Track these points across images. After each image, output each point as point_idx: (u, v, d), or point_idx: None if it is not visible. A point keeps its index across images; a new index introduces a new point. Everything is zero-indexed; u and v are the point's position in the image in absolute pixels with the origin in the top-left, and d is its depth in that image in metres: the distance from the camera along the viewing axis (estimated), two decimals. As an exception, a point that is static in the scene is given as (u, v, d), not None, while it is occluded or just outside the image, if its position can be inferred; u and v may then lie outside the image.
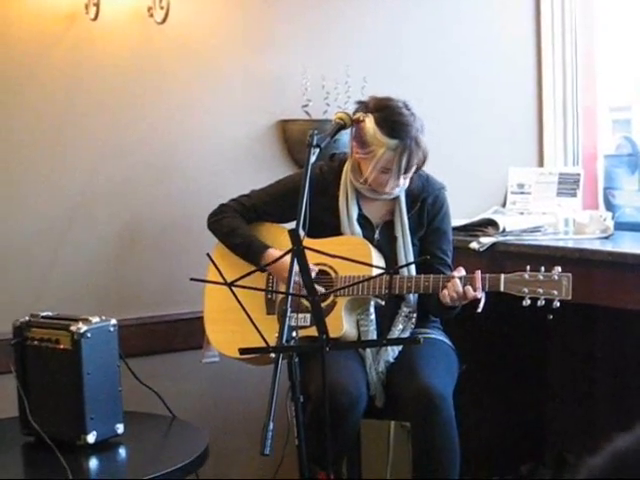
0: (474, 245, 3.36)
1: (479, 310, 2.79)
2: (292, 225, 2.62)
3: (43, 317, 2.69)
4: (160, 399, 2.89)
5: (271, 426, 2.25)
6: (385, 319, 3.00)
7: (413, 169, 2.95)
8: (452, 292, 2.79)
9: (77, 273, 3.24)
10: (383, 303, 2.96)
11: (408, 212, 3.03)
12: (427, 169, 3.05)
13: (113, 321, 2.67)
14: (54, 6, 3.13)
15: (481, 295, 2.79)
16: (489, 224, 3.49)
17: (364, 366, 2.96)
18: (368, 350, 2.98)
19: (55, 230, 3.20)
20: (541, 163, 4.05)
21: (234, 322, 2.79)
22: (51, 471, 2.44)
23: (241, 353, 2.42)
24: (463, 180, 3.78)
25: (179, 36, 3.33)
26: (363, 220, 3.04)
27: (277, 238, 3.05)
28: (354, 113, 2.91)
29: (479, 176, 3.94)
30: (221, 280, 2.35)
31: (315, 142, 2.70)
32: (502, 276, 2.79)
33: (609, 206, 3.83)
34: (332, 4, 3.64)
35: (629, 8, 4.11)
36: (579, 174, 3.76)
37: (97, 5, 3.08)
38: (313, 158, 2.70)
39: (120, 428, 2.65)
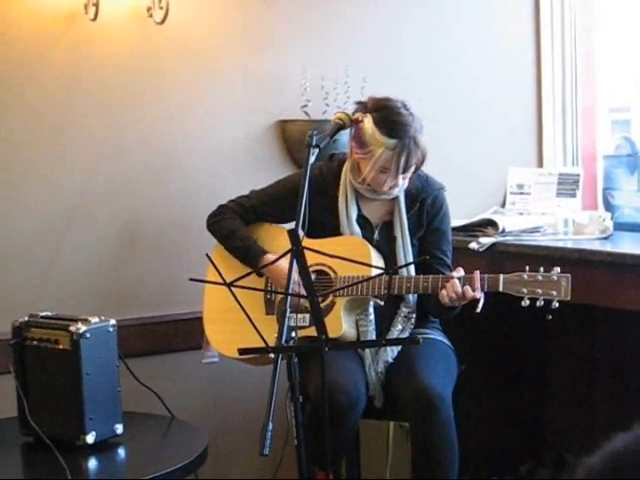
0: (473, 245, 3.36)
1: (478, 310, 2.79)
2: (291, 225, 2.61)
3: (42, 317, 2.69)
4: (159, 399, 2.89)
5: (270, 426, 2.25)
6: (384, 319, 3.00)
7: (412, 169, 2.94)
8: (451, 292, 2.79)
9: (76, 273, 3.24)
10: (382, 303, 2.96)
11: (407, 212, 3.03)
12: (426, 169, 3.05)
13: (112, 321, 2.67)
14: (53, 6, 3.13)
15: (480, 295, 2.79)
16: (488, 224, 3.49)
17: (363, 366, 2.96)
18: (367, 350, 2.98)
19: (54, 230, 3.20)
20: (540, 163, 4.05)
21: (233, 322, 2.79)
22: (50, 471, 2.44)
23: (240, 353, 2.42)
24: (463, 180, 3.78)
25: (178, 36, 3.33)
26: (362, 220, 3.04)
27: (276, 238, 3.05)
28: (353, 113, 2.91)
29: (478, 176, 3.94)
30: (220, 280, 2.35)
31: (314, 142, 2.70)
32: (501, 276, 2.79)
33: (608, 206, 3.83)
34: (331, 4, 3.64)
35: (628, 8, 4.11)
36: (578, 174, 3.76)
37: (96, 5, 3.08)
38: (312, 158, 2.71)
39: (119, 428, 2.65)
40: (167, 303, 3.38)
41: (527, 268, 2.77)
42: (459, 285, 2.79)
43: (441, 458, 2.81)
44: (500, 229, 3.43)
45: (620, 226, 3.61)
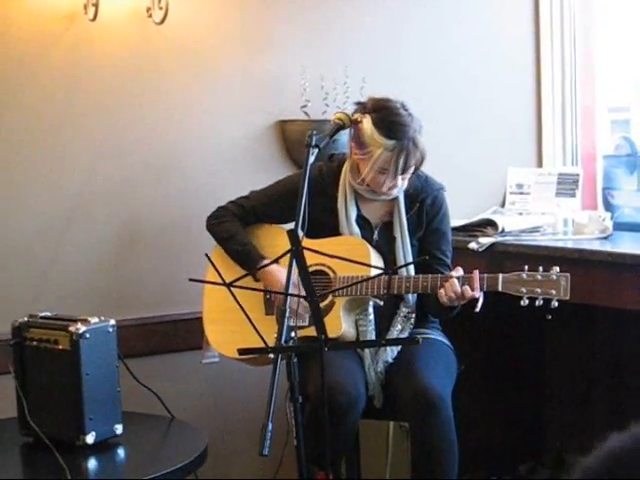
0: (473, 245, 3.36)
1: (477, 310, 2.79)
2: (291, 226, 2.61)
3: (42, 317, 2.69)
4: (159, 400, 2.89)
5: (270, 426, 2.25)
6: (384, 319, 3.00)
7: (411, 170, 2.94)
8: (450, 292, 2.79)
9: (76, 273, 3.24)
10: (382, 303, 2.96)
11: (407, 213, 3.03)
12: (426, 169, 3.05)
13: (112, 321, 2.67)
14: (53, 6, 3.13)
15: (479, 295, 2.79)
16: (488, 224, 3.49)
17: (363, 366, 2.96)
18: (367, 350, 2.98)
19: (54, 230, 3.20)
20: (540, 163, 4.05)
21: (233, 322, 2.79)
22: (50, 472, 2.44)
23: (240, 353, 2.42)
24: (462, 180, 3.78)
25: (178, 36, 3.33)
26: (362, 221, 3.04)
27: (276, 239, 3.05)
28: (353, 114, 2.91)
29: (478, 176, 3.94)
30: (220, 281, 2.35)
31: (314, 142, 2.70)
32: (500, 276, 2.79)
33: (608, 206, 3.83)
34: (331, 4, 3.64)
35: (628, 8, 4.11)
36: (578, 174, 3.76)
37: (96, 5, 3.08)
38: (312, 158, 2.71)
39: (119, 428, 2.65)
40: (167, 303, 3.38)
41: (526, 267, 2.77)
42: (458, 285, 2.79)
43: (441, 458, 2.81)
44: (500, 229, 3.43)
45: (620, 226, 3.61)
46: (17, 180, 3.14)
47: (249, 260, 3.02)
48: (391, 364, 2.97)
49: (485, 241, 3.37)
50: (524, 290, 2.75)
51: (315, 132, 2.73)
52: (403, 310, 3.02)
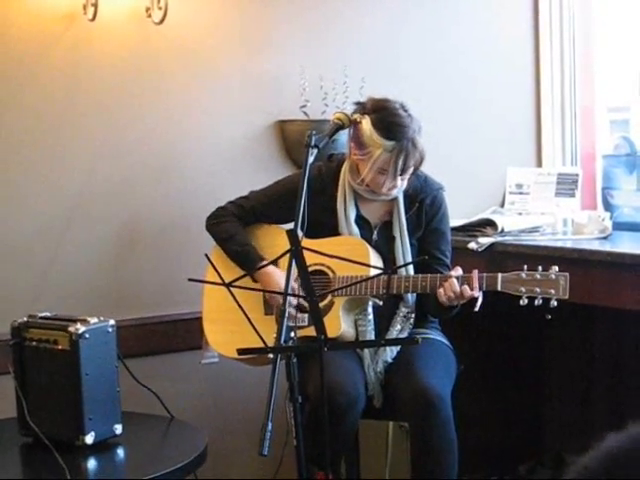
0: (472, 245, 3.36)
1: (476, 309, 2.79)
2: (291, 226, 2.61)
3: (41, 318, 2.69)
4: (159, 399, 2.88)
5: (269, 426, 2.25)
6: (383, 319, 3.00)
7: (410, 170, 2.94)
8: (449, 292, 2.79)
9: (75, 273, 3.24)
10: (381, 303, 2.96)
11: (406, 212, 3.03)
12: (426, 169, 3.05)
13: (111, 322, 2.67)
14: (53, 6, 3.13)
15: (478, 294, 2.79)
16: (488, 224, 3.49)
17: (362, 366, 2.96)
18: (366, 350, 2.98)
19: (54, 230, 3.20)
20: (539, 163, 4.05)
21: (233, 322, 2.79)
22: (49, 472, 2.44)
23: (240, 353, 2.42)
24: (462, 180, 3.78)
25: (177, 36, 3.33)
26: (361, 221, 3.04)
27: (276, 239, 3.05)
28: (352, 114, 2.91)
29: (477, 176, 3.94)
30: (219, 281, 2.35)
31: (313, 142, 2.70)
32: (499, 275, 2.79)
33: (607, 206, 3.83)
34: (330, 4, 3.64)
35: (627, 8, 4.11)
36: (577, 174, 3.76)
37: (95, 5, 3.08)
38: (311, 158, 2.71)
39: (118, 429, 2.65)
40: (166, 303, 3.38)
41: (525, 267, 2.77)
42: (457, 284, 2.79)
43: (440, 458, 2.81)
44: (499, 229, 3.43)
45: (619, 226, 3.61)
46: (17, 180, 3.14)
47: (248, 261, 3.02)
48: (390, 364, 2.97)
49: (485, 241, 3.37)
50: (523, 289, 2.75)
51: (314, 132, 2.73)
52: (402, 310, 3.02)
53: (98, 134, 3.25)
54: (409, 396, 2.81)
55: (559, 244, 3.34)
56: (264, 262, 2.97)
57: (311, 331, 2.41)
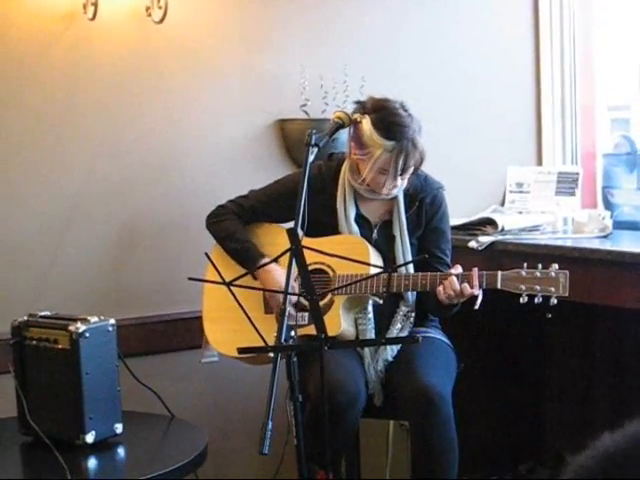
0: (473, 244, 3.36)
1: (476, 307, 2.79)
2: (291, 225, 2.61)
3: (41, 317, 2.69)
4: (159, 399, 2.89)
5: (270, 425, 2.25)
6: (383, 318, 3.00)
7: (410, 170, 2.94)
8: (449, 290, 2.79)
9: (76, 273, 3.24)
10: (381, 302, 2.96)
11: (406, 212, 3.03)
12: (426, 169, 3.05)
13: (112, 321, 2.67)
14: (52, 6, 3.13)
15: (478, 292, 2.79)
16: (488, 223, 3.49)
17: (362, 365, 2.96)
18: (366, 349, 2.98)
19: (54, 230, 3.20)
20: (540, 162, 4.05)
21: (233, 321, 2.79)
22: (50, 471, 2.44)
23: (240, 353, 2.42)
24: (462, 179, 3.78)
25: (177, 36, 3.33)
26: (361, 220, 3.04)
27: (276, 238, 3.05)
28: (352, 113, 2.91)
29: (478, 175, 3.94)
30: (219, 280, 2.35)
31: (313, 141, 2.70)
32: (499, 273, 2.79)
33: (608, 205, 3.83)
34: (330, 4, 3.64)
35: (627, 7, 4.11)
36: (578, 173, 3.76)
37: (95, 5, 3.08)
38: (311, 157, 2.71)
39: (119, 428, 2.65)
40: (166, 302, 3.37)
41: (525, 265, 2.77)
42: (457, 283, 2.79)
43: (441, 457, 2.81)
44: (499, 228, 3.43)
45: (619, 224, 3.61)
46: (16, 180, 3.14)
47: (248, 258, 3.01)
48: (391, 363, 2.97)
49: (485, 240, 3.37)
50: (523, 287, 2.75)
51: (314, 131, 2.73)
52: (403, 309, 3.02)
53: (98, 133, 3.25)
54: (409, 395, 2.80)
55: (559, 243, 3.34)
56: (264, 259, 2.97)
57: (311, 330, 2.41)
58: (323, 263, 2.96)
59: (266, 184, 3.16)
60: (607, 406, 3.71)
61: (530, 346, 3.88)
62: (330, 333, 2.42)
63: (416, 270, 2.96)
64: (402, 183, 2.97)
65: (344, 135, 3.04)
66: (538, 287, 2.74)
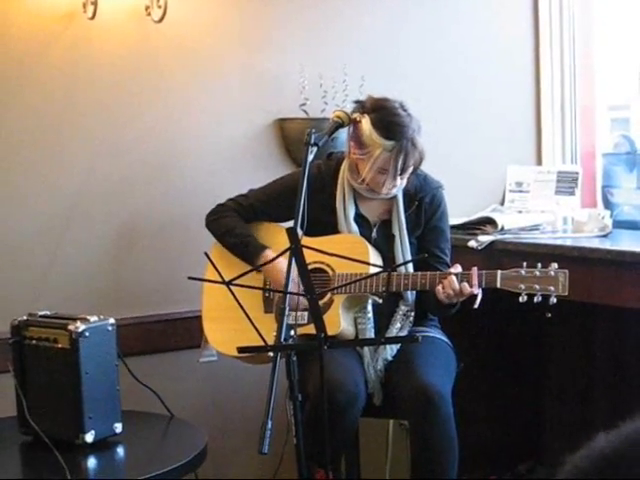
0: (472, 243, 3.35)
1: (476, 306, 2.79)
2: (290, 224, 2.61)
3: (41, 316, 2.69)
4: (158, 398, 2.89)
5: (269, 425, 2.25)
6: (383, 317, 3.00)
7: (410, 170, 2.94)
8: (449, 289, 2.79)
9: (75, 272, 3.24)
10: (380, 301, 2.96)
11: (405, 211, 3.03)
12: (425, 168, 3.05)
13: (111, 320, 2.67)
14: (52, 5, 3.13)
15: (478, 292, 2.79)
16: (487, 222, 3.49)
17: (362, 364, 2.96)
18: (366, 348, 2.98)
19: (53, 229, 3.20)
20: (539, 161, 4.05)
21: (232, 321, 2.79)
22: (49, 470, 2.44)
23: (240, 352, 2.42)
24: (462, 179, 3.78)
25: (177, 35, 3.33)
26: (360, 219, 3.04)
27: (275, 237, 3.05)
28: (352, 113, 2.91)
29: (477, 175, 3.94)
30: (219, 279, 2.35)
31: (313, 140, 2.70)
32: (499, 272, 2.79)
33: (607, 204, 3.83)
34: (330, 3, 3.64)
35: (627, 7, 4.11)
36: (577, 172, 3.75)
37: (95, 4, 3.08)
38: (311, 157, 2.71)
39: (118, 427, 2.65)
40: (166, 302, 3.37)
41: (524, 264, 2.77)
42: (456, 282, 2.78)
43: (441, 456, 2.81)
44: (499, 227, 3.43)
45: (619, 224, 3.61)
46: (16, 180, 3.14)
47: (250, 250, 3.01)
48: (390, 362, 2.97)
49: (484, 239, 3.36)
50: (522, 286, 2.75)
51: (314, 130, 2.73)
52: (402, 308, 3.02)
53: (97, 133, 3.25)
54: (409, 394, 2.80)
55: (559, 242, 3.34)
56: (267, 251, 2.98)
57: (311, 329, 2.41)
58: (322, 262, 2.96)
59: (266, 183, 3.16)
60: (607, 406, 3.71)
61: (530, 345, 3.88)
62: (330, 332, 2.42)
63: (415, 269, 2.96)
64: (401, 183, 2.97)
65: (343, 134, 3.04)
66: (537, 286, 2.74)
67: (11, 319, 2.71)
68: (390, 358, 2.98)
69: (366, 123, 2.88)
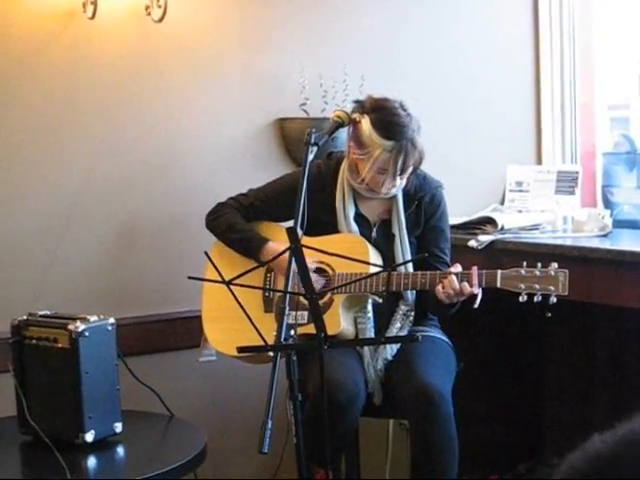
0: (472, 243, 3.35)
1: (475, 306, 2.79)
2: (290, 223, 2.61)
3: (41, 316, 2.69)
4: (158, 398, 2.89)
5: (269, 424, 2.25)
6: (383, 317, 3.00)
7: (410, 170, 2.94)
8: (449, 289, 2.79)
9: (75, 272, 3.24)
10: (380, 301, 2.96)
11: (405, 210, 3.03)
12: (425, 168, 3.05)
13: (111, 320, 2.67)
14: (52, 5, 3.13)
15: (478, 291, 2.79)
16: (487, 222, 3.49)
17: (362, 364, 2.96)
18: (366, 348, 2.98)
19: (53, 229, 3.20)
20: (539, 161, 4.05)
21: (232, 320, 2.78)
22: (49, 470, 2.44)
23: (239, 352, 2.42)
24: (462, 178, 3.78)
25: (176, 34, 3.33)
26: (360, 218, 3.04)
27: (275, 237, 3.05)
28: (352, 112, 2.91)
29: (477, 174, 3.94)
30: (219, 278, 2.35)
31: (313, 140, 2.70)
32: (499, 272, 2.79)
33: (607, 204, 3.83)
34: (330, 3, 3.64)
35: (627, 6, 4.11)
36: (577, 172, 3.75)
37: (95, 4, 3.08)
38: (311, 156, 2.71)
39: (118, 427, 2.65)
40: (166, 301, 3.37)
41: (524, 263, 2.77)
42: (457, 281, 2.78)
43: (441, 456, 2.81)
44: (499, 227, 3.43)
45: (619, 223, 3.61)
46: (16, 180, 3.14)
47: (253, 245, 3.02)
48: (390, 362, 2.97)
49: (484, 239, 3.36)
50: (523, 286, 2.75)
51: (314, 130, 2.73)
52: (402, 308, 3.02)
53: (97, 132, 3.25)
54: (409, 393, 2.80)
55: (559, 242, 3.33)
56: (269, 243, 2.98)
57: (311, 329, 2.41)
58: (322, 262, 2.97)
59: (266, 183, 3.16)
60: (607, 405, 3.71)
61: (530, 345, 3.88)
62: (330, 332, 2.42)
63: (415, 269, 2.96)
64: (401, 182, 2.97)
65: (343, 134, 3.04)
66: (537, 286, 2.74)
67: (11, 319, 2.71)
68: (390, 358, 2.98)
69: (366, 123, 2.88)
